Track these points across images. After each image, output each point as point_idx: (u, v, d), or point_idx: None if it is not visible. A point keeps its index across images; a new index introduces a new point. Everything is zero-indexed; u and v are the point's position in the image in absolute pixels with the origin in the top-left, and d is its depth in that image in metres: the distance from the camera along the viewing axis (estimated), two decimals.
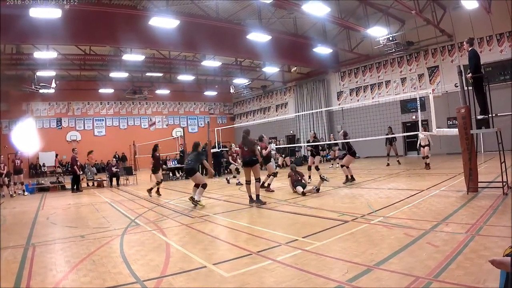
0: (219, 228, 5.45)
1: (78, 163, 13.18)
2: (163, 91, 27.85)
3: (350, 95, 22.29)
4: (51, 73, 19.83)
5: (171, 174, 15.98)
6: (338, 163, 13.84)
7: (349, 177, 9.49)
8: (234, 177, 11.89)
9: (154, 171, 10.31)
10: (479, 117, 6.56)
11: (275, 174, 9.42)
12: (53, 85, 20.32)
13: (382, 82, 20.48)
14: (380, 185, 8.79)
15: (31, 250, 4.52)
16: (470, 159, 6.39)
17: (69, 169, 15.17)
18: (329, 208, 6.18)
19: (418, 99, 10.03)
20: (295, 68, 19.01)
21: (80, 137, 26.25)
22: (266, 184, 9.13)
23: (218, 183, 12.54)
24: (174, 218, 6.33)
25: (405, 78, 19.28)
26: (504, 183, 5.98)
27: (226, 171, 16.36)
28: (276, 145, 18.41)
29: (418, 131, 11.46)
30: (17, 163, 12.87)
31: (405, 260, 3.27)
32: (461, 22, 16.14)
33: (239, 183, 11.16)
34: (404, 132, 17.43)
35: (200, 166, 8.51)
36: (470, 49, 6.67)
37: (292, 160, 18.84)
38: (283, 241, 4.20)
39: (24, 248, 4.68)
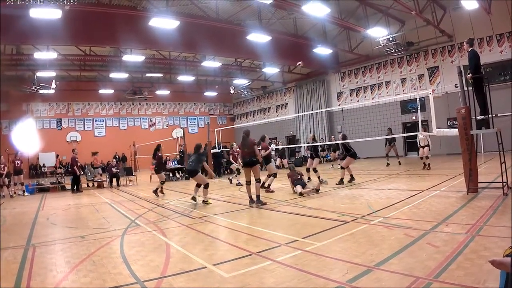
0: (219, 229, 5.46)
1: (78, 164, 13.21)
2: (163, 92, 27.82)
3: (350, 95, 22.29)
4: (51, 73, 19.83)
5: (171, 175, 15.99)
6: (339, 164, 13.82)
7: (343, 179, 9.41)
8: (236, 176, 11.91)
9: (157, 171, 10.35)
10: (479, 117, 6.57)
11: (275, 175, 9.43)
12: (53, 85, 20.31)
13: (382, 82, 20.47)
14: (380, 185, 8.79)
15: (31, 251, 4.52)
16: (470, 160, 6.39)
17: (69, 169, 15.17)
18: (329, 208, 6.18)
19: (418, 99, 9.98)
20: (300, 62, 18.99)
21: (80, 137, 26.25)
22: (266, 185, 9.13)
23: (218, 183, 12.54)
24: (174, 219, 6.33)
25: (405, 78, 19.28)
26: (504, 184, 5.98)
27: (226, 172, 16.39)
28: (276, 145, 18.41)
29: (418, 131, 11.45)
30: (17, 164, 12.88)
31: (405, 260, 3.27)
32: (461, 22, 16.15)
33: (239, 184, 11.19)
34: (404, 133, 17.41)
35: (201, 167, 8.63)
36: (470, 49, 6.68)
37: (291, 161, 18.82)
38: (283, 242, 4.21)
39: (24, 248, 4.68)
